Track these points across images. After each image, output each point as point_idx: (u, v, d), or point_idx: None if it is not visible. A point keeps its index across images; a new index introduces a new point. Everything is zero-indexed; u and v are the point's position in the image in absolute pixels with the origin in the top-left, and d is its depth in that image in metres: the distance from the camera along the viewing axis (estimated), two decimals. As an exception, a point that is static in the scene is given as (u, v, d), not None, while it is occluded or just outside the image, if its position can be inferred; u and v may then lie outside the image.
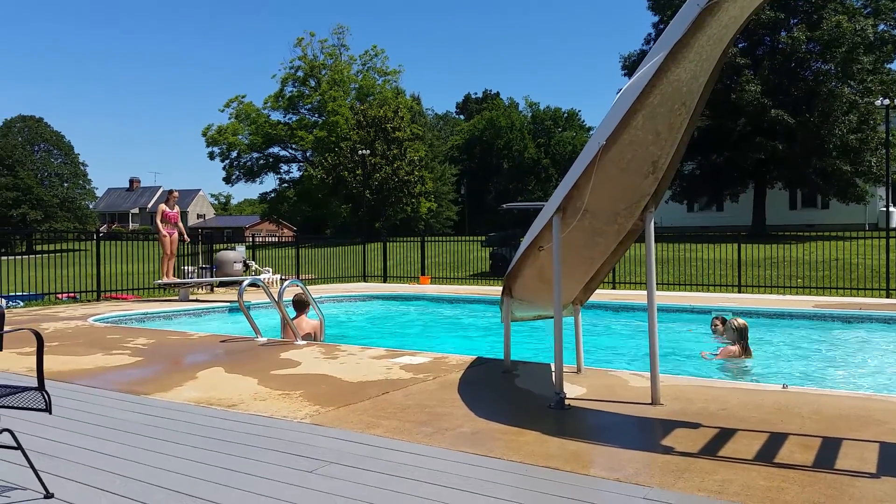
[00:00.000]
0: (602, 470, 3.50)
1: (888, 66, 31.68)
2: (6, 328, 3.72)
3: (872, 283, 16.10)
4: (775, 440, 3.96)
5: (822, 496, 3.09)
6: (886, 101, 23.71)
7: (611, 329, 11.27)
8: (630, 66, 34.56)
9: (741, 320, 8.11)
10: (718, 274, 17.54)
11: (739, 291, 15.55)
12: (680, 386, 5.40)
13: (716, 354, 8.08)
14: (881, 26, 31.13)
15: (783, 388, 5.31)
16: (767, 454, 3.70)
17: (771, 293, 15.40)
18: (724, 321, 8.89)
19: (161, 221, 13.93)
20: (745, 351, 7.95)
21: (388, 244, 21.57)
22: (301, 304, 8.79)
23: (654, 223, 5.04)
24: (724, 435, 4.08)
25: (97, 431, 4.27)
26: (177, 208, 14.36)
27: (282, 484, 3.32)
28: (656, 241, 5.07)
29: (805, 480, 3.28)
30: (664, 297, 12.96)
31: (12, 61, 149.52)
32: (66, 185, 66.29)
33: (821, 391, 5.43)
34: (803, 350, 9.18)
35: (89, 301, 14.03)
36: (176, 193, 14.54)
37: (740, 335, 7.90)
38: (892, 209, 31.20)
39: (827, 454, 3.70)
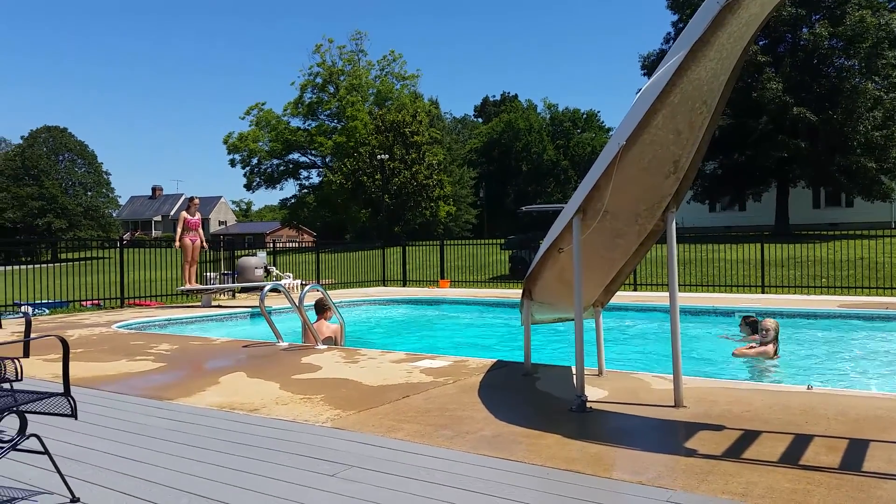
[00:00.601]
0: (624, 473, 3.47)
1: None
2: (33, 335, 3.79)
3: (899, 282, 15.82)
4: (800, 442, 3.90)
5: (850, 499, 3.03)
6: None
7: (633, 331, 11.19)
8: (649, 66, 34.35)
9: (773, 320, 8.05)
10: (741, 274, 17.35)
11: (763, 292, 15.37)
12: (703, 388, 5.34)
13: (751, 348, 8.03)
14: (905, 21, 30.64)
15: (808, 389, 5.24)
16: (793, 456, 3.65)
17: (795, 293, 15.19)
18: (755, 321, 8.81)
19: (182, 229, 14.06)
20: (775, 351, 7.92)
21: (407, 248, 21.60)
22: (322, 309, 8.84)
23: (676, 224, 4.99)
24: (749, 437, 4.03)
25: (121, 436, 4.32)
26: (198, 215, 14.48)
27: (303, 487, 3.34)
28: (678, 242, 5.02)
29: (832, 483, 3.23)
30: (686, 299, 12.83)
31: (38, 70, 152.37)
32: (89, 193, 67.33)
33: (846, 392, 5.35)
34: (828, 350, 9.05)
35: (113, 308, 14.21)
36: (197, 200, 14.66)
37: (775, 335, 7.88)
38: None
39: (854, 456, 3.64)
